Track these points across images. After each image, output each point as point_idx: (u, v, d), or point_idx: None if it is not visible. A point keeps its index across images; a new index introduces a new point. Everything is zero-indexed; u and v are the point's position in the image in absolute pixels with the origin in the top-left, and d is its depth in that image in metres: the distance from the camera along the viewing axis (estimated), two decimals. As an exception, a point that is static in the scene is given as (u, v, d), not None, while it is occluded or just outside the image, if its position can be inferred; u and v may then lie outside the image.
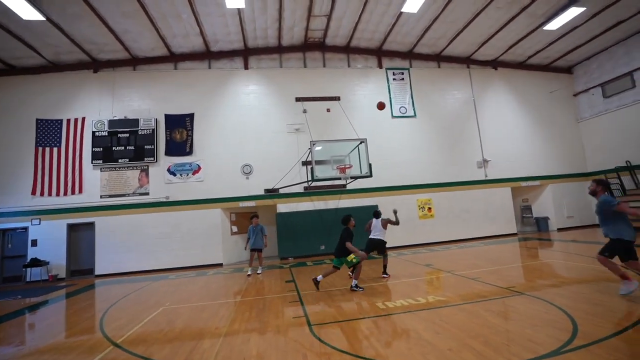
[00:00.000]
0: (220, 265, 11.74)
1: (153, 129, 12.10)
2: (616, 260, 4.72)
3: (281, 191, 12.33)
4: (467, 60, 14.79)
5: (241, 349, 3.90)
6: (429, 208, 13.30)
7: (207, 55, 12.91)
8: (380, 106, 9.35)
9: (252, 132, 12.68)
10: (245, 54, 13.14)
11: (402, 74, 14.17)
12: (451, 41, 13.36)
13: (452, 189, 13.62)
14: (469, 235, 13.36)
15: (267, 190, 12.36)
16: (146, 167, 12.04)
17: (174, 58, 12.73)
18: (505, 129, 14.66)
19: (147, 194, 11.90)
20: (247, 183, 12.40)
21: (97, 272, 11.23)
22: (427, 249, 11.87)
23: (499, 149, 14.37)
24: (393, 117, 13.67)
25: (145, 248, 11.49)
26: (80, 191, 11.58)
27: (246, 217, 12.52)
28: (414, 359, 3.25)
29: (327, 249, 12.06)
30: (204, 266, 11.60)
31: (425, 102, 14.12)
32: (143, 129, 12.06)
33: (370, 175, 10.36)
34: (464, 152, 14.10)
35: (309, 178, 11.39)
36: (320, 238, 12.12)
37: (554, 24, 12.09)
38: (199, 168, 12.25)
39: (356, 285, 6.31)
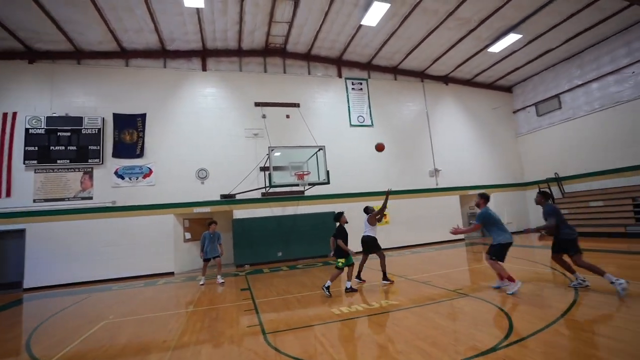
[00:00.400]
0: (172, 274, 11.11)
1: (99, 129, 11.22)
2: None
3: (238, 197, 12.04)
4: (421, 75, 15.68)
5: (191, 362, 3.72)
6: (385, 215, 13.73)
7: (163, 53, 12.32)
8: (380, 147, 8.65)
9: (208, 136, 12.27)
10: (204, 55, 12.76)
11: (361, 84, 14.64)
12: (407, 56, 14.09)
13: (406, 197, 14.23)
14: (422, 240, 14.02)
15: (223, 196, 12.00)
16: (90, 170, 11.11)
17: (125, 54, 11.98)
18: (455, 141, 15.70)
19: (90, 198, 10.96)
20: (202, 188, 11.94)
21: (26, 286, 10.06)
22: (382, 254, 12.21)
23: (449, 159, 15.35)
24: (351, 125, 14.03)
25: (87, 257, 10.53)
26: (8, 194, 10.35)
27: (200, 224, 12.06)
28: (366, 362, 3.31)
29: (284, 256, 11.96)
30: (153, 275, 10.91)
31: (382, 112, 14.68)
32: (88, 128, 11.14)
33: (328, 182, 10.50)
34: (417, 161, 14.86)
35: (267, 184, 11.26)
36: (278, 245, 11.99)
37: (497, 47, 13.27)
38: (150, 171, 11.57)
39: (327, 287, 6.27)
